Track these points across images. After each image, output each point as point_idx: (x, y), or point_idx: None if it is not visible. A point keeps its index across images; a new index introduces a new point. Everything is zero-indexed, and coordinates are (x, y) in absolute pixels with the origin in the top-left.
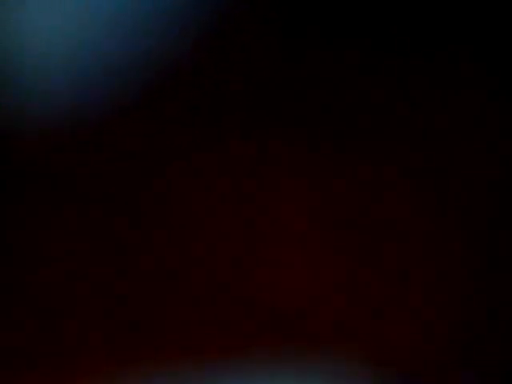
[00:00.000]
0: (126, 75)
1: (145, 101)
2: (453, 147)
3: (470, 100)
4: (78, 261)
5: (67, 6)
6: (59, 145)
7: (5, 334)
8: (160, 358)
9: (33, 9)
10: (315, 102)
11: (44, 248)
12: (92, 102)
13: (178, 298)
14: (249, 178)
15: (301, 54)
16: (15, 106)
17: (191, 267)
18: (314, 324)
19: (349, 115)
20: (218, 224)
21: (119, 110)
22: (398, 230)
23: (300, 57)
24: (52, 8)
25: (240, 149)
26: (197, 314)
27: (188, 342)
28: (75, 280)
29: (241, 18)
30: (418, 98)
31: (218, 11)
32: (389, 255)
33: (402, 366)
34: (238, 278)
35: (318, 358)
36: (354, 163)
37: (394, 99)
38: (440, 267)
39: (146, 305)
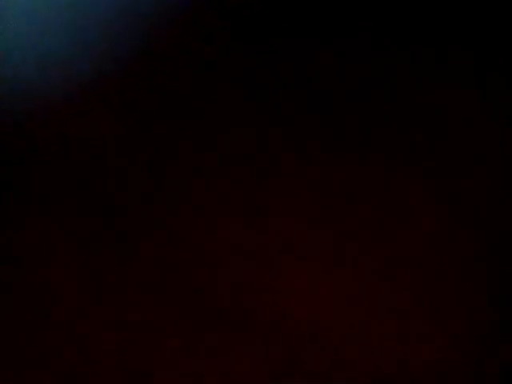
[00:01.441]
0: (123, 73)
1: (144, 100)
2: (454, 147)
3: (471, 100)
4: (78, 260)
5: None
6: (58, 142)
7: (4, 334)
8: (157, 365)
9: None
10: (315, 102)
11: (44, 248)
12: (91, 101)
13: (177, 309)
14: (248, 180)
15: (301, 53)
16: (13, 102)
17: (190, 271)
18: (314, 334)
19: (350, 116)
20: (218, 232)
21: (118, 107)
22: (399, 235)
23: (300, 56)
24: (44, 7)
25: (239, 150)
26: (197, 326)
27: (188, 347)
28: (75, 280)
29: (240, 17)
30: (419, 98)
31: (215, 8)
32: (391, 262)
33: (404, 373)
34: (239, 287)
35: (317, 369)
36: (355, 165)
37: (395, 99)
38: (441, 275)
39: (146, 309)
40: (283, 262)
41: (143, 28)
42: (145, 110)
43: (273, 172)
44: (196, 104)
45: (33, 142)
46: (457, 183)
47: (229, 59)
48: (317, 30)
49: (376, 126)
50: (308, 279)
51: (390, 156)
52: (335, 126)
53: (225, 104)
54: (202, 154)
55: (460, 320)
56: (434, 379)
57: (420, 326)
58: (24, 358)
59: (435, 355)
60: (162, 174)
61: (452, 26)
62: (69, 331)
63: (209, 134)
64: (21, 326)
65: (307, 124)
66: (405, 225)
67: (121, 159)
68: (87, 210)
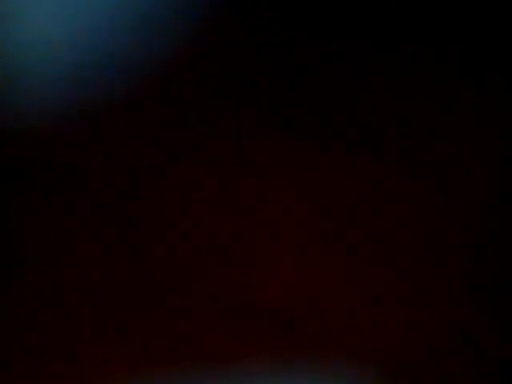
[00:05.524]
0: (123, 72)
1: (143, 100)
2: (454, 147)
3: (471, 100)
4: (78, 260)
5: (63, 3)
6: (59, 142)
7: (4, 334)
8: (159, 361)
9: (30, 5)
10: (314, 102)
11: (44, 248)
12: (91, 100)
13: (176, 299)
14: (247, 178)
15: (301, 53)
16: (14, 104)
17: (190, 269)
18: (313, 325)
19: (350, 115)
20: (215, 224)
21: (118, 107)
22: (398, 229)
23: (300, 56)
24: (49, 4)
25: (238, 148)
26: (196, 316)
27: (187, 344)
28: (74, 280)
29: (235, 16)
30: (419, 98)
31: (214, 9)
32: (389, 254)
33: (403, 366)
34: (237, 278)
35: (317, 359)
36: (354, 164)
37: (395, 100)
38: (440, 266)
39: (146, 306)
40: (280, 254)
41: (138, 24)
42: (145, 111)
43: (271, 169)
44: (195, 105)
45: (35, 145)
46: (457, 183)
47: (228, 59)
48: (317, 29)
49: (375, 125)
50: (305, 269)
51: (390, 155)
52: (335, 126)
53: (223, 104)
54: (199, 152)
55: (459, 318)
56: (432, 379)
57: (419, 324)
58: (23, 358)
59: (434, 354)
60: (158, 173)
61: (452, 26)
62: (68, 330)
63: (207, 135)
64: (20, 327)
65: (306, 124)
66: (404, 224)
67: (119, 158)
68: (88, 210)
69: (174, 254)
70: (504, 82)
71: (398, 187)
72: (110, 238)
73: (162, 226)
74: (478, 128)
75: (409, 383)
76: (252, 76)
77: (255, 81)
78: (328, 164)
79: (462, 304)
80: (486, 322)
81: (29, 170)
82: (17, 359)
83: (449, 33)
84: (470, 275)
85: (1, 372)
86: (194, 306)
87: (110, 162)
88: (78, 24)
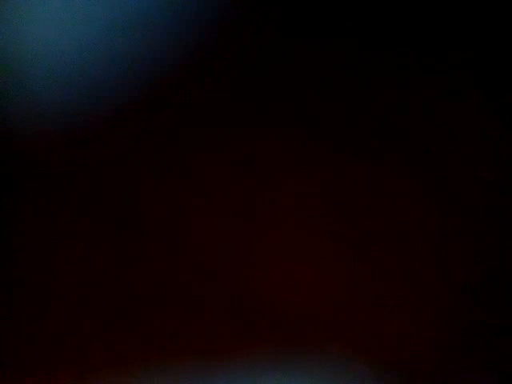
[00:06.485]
0: (125, 76)
1: (144, 102)
2: (453, 147)
3: (471, 100)
4: (78, 261)
5: (68, 7)
6: (60, 145)
7: (4, 334)
8: (159, 359)
9: (34, 10)
10: (314, 103)
11: (44, 249)
12: (93, 103)
13: (177, 299)
14: (248, 179)
15: (301, 53)
16: (17, 106)
17: (191, 269)
18: (314, 324)
19: (349, 116)
20: (215, 224)
21: (119, 110)
22: (398, 229)
23: (299, 56)
24: (53, 9)
25: (239, 150)
26: (197, 316)
27: (187, 342)
28: (75, 280)
29: (236, 18)
30: (419, 99)
31: (216, 11)
32: (389, 256)
33: (402, 366)
34: (239, 279)
35: (317, 358)
36: (354, 164)
37: (395, 100)
38: (440, 266)
39: (146, 305)
40: (281, 254)
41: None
42: (144, 113)
43: (271, 169)
44: (194, 105)
45: (35, 148)
46: (457, 183)
47: (229, 59)
48: (317, 29)
49: (375, 125)
50: (305, 269)
51: (390, 155)
52: (335, 126)
53: (224, 105)
54: (199, 152)
55: (460, 318)
56: (432, 378)
57: (419, 324)
58: (23, 358)
59: (434, 354)
60: (163, 173)
61: (452, 26)
62: (68, 331)
63: (209, 136)
64: (20, 327)
65: (307, 124)
66: (404, 224)
67: (120, 160)
68: (87, 211)
69: (174, 255)
70: (504, 82)
71: (398, 187)
72: (110, 238)
73: (162, 227)
74: (478, 128)
75: (409, 383)
76: (252, 76)
77: (255, 81)
78: (328, 164)
79: (461, 304)
80: (485, 322)
81: (29, 171)
82: (17, 359)
83: (449, 33)
84: (470, 275)
85: (1, 372)
86: (194, 305)
87: (110, 163)
88: (86, 28)
